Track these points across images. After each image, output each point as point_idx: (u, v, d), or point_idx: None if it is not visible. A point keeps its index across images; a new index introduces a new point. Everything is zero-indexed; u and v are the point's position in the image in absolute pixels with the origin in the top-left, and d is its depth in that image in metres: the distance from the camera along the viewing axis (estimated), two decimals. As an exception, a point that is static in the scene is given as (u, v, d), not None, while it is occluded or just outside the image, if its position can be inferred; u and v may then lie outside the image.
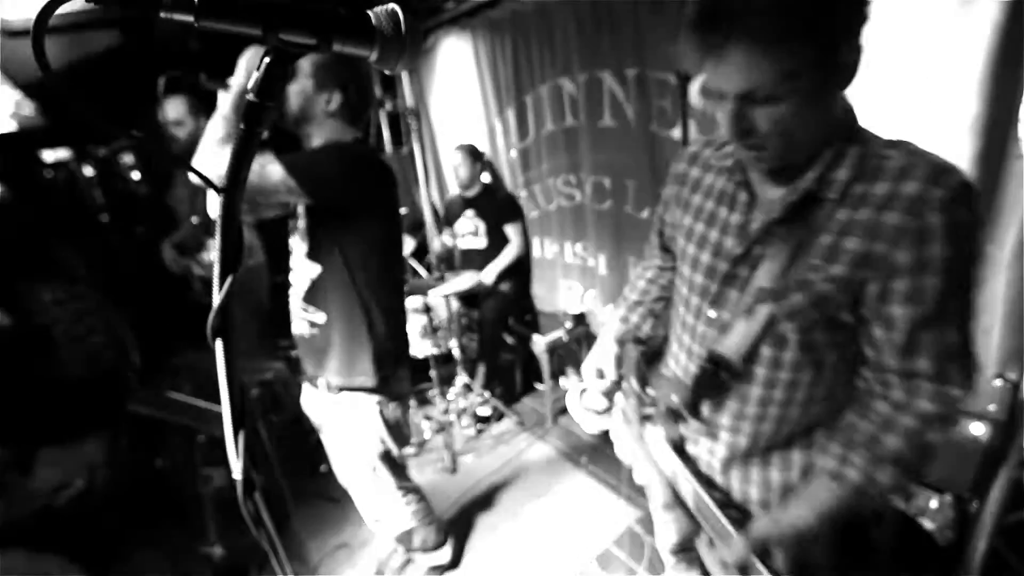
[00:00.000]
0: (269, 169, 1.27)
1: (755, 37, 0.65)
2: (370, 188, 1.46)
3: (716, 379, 0.92)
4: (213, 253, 2.74)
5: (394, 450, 1.68)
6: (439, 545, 1.99)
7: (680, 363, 1.03)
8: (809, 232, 0.79)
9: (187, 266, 2.65)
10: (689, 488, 0.98)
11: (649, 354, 1.16)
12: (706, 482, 1.01)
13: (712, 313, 0.93)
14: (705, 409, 0.98)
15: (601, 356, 1.19)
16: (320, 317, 1.52)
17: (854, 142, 0.78)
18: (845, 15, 0.68)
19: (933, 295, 0.73)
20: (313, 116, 1.43)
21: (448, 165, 3.44)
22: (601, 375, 1.17)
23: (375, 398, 1.58)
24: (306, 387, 1.69)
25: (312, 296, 1.51)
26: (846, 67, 0.71)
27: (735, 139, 0.77)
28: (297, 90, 1.39)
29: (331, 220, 1.43)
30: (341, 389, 1.56)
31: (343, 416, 1.59)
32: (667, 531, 1.40)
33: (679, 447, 1.06)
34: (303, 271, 1.52)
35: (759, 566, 0.81)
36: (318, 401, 1.64)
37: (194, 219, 2.74)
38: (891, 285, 0.75)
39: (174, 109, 2.44)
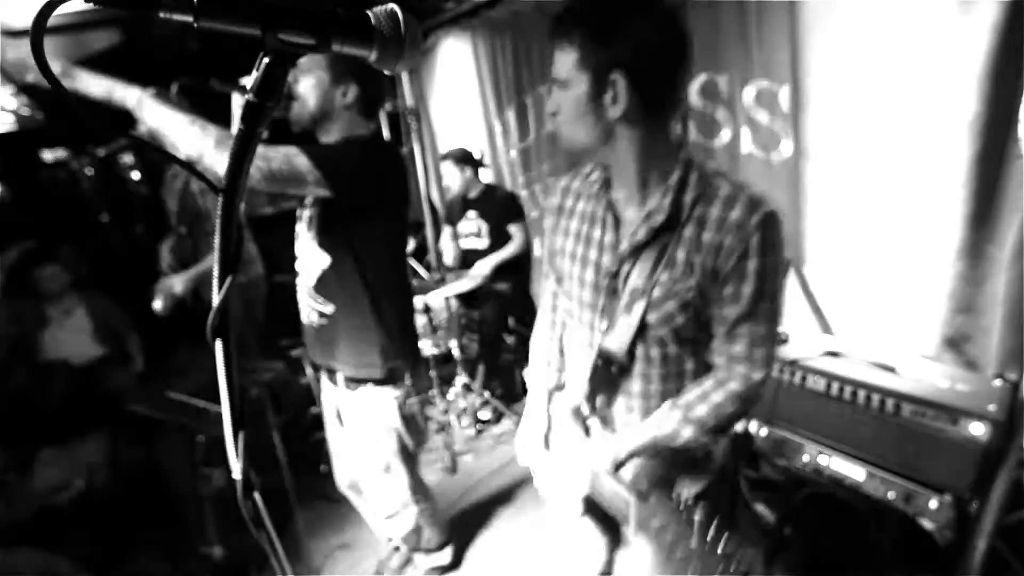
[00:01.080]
0: (297, 161, 1.25)
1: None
2: (389, 183, 1.47)
3: (608, 373, 1.08)
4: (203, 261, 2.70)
5: (410, 446, 1.68)
6: (442, 546, 1.99)
7: (579, 365, 1.17)
8: (665, 246, 0.97)
9: (169, 287, 2.63)
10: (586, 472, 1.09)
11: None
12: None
13: (603, 324, 1.07)
14: (600, 403, 1.13)
15: (538, 428, 1.28)
16: (329, 307, 1.52)
17: (693, 169, 0.96)
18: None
19: (749, 297, 0.94)
20: (331, 110, 1.42)
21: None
22: (542, 445, 1.27)
23: (394, 392, 1.58)
24: (324, 381, 1.70)
25: (321, 286, 1.51)
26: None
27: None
28: (313, 84, 1.38)
29: (345, 211, 1.42)
30: (355, 381, 1.57)
31: (361, 409, 1.60)
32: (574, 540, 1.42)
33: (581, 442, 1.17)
34: (313, 261, 1.51)
35: (599, 473, 1.03)
36: (337, 395, 1.65)
37: (182, 230, 2.73)
38: (723, 291, 0.95)
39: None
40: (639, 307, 0.99)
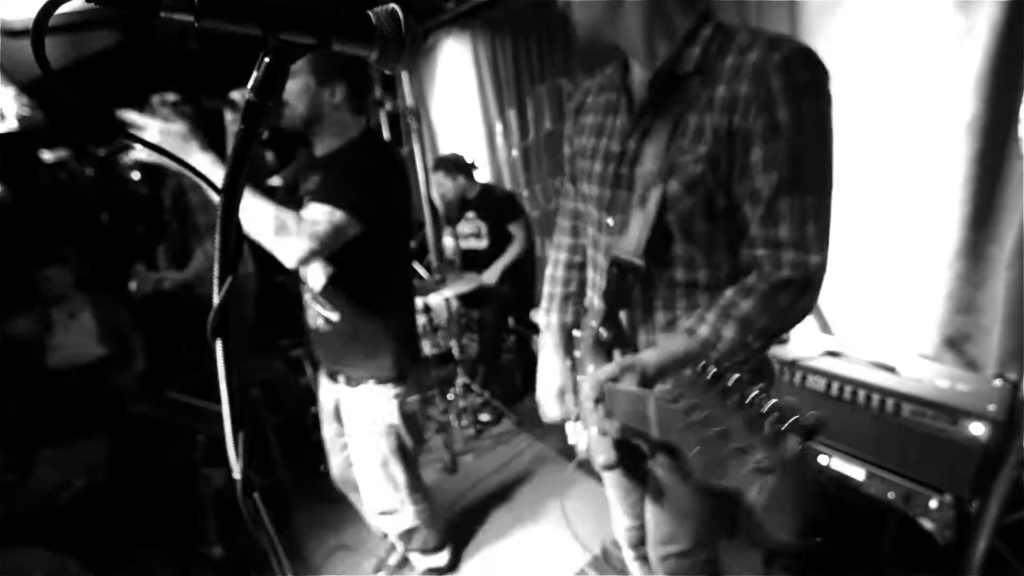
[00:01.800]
0: (335, 218, 1.29)
1: None
2: (398, 191, 1.47)
3: (623, 284, 0.90)
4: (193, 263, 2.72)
5: (409, 445, 1.68)
6: (439, 548, 1.99)
7: (596, 285, 1.02)
8: (679, 114, 0.81)
9: (160, 280, 2.64)
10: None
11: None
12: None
13: (609, 220, 0.93)
14: (624, 323, 0.95)
15: (553, 377, 1.17)
16: (335, 315, 1.52)
17: (708, 21, 0.82)
18: None
19: (786, 159, 0.75)
20: (321, 113, 1.41)
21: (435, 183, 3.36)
22: (562, 394, 1.16)
23: (395, 390, 1.58)
24: (323, 379, 1.70)
25: (327, 293, 1.51)
26: None
27: None
28: (300, 89, 1.37)
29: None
30: (357, 379, 1.57)
31: (362, 406, 1.60)
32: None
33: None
34: (317, 268, 1.51)
35: (612, 386, 0.83)
36: (336, 391, 1.65)
37: (174, 225, 2.75)
38: (749, 157, 0.77)
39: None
40: (654, 196, 0.82)
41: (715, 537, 1.16)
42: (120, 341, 2.82)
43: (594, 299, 1.03)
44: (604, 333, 0.95)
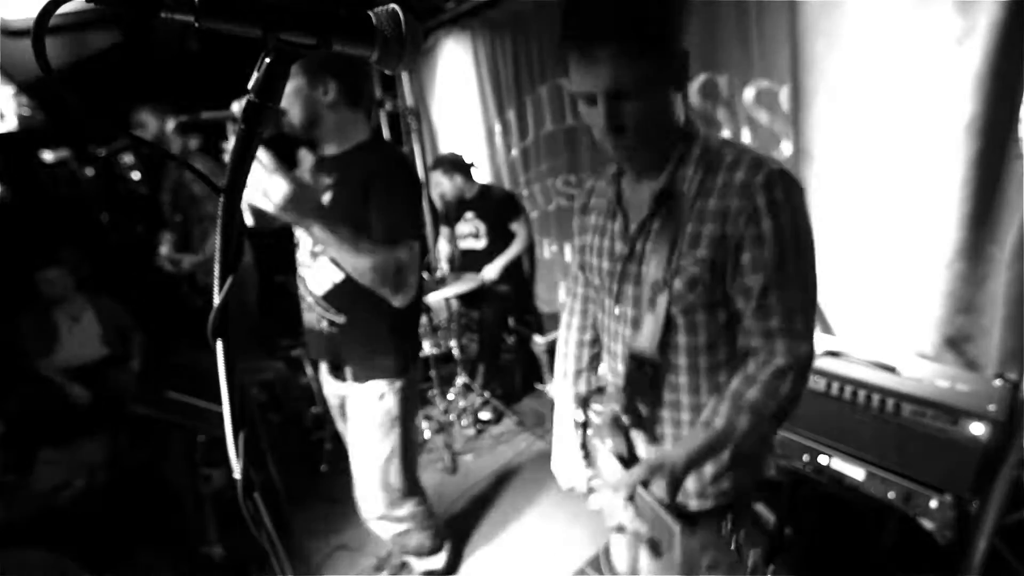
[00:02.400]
0: (416, 250, 1.41)
1: (619, 45, 0.81)
2: (415, 191, 1.52)
3: (642, 374, 1.01)
4: (190, 258, 2.75)
5: (410, 441, 1.69)
6: (435, 550, 1.97)
7: (612, 370, 1.13)
8: (677, 225, 0.93)
9: (179, 260, 2.65)
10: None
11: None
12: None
13: (616, 309, 1.05)
14: (642, 409, 1.06)
15: (570, 449, 1.25)
16: (341, 318, 1.52)
17: (696, 143, 0.94)
18: (676, 24, 0.85)
19: (771, 262, 0.88)
20: (318, 114, 1.41)
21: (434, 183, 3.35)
22: (580, 463, 1.23)
23: (399, 383, 1.59)
24: (327, 377, 1.70)
25: (333, 298, 1.51)
26: (680, 71, 0.89)
27: (609, 135, 0.90)
28: (293, 92, 1.37)
29: (361, 228, 1.40)
30: (367, 379, 1.58)
31: (368, 402, 1.60)
32: (619, 551, 1.38)
33: (623, 458, 1.10)
34: (323, 274, 1.51)
35: (642, 491, 0.92)
36: (343, 389, 1.65)
37: (178, 218, 2.76)
38: (740, 260, 0.90)
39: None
40: (662, 300, 0.95)
41: None
42: (122, 342, 2.82)
43: (609, 379, 1.16)
44: (626, 419, 1.07)
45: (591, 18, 0.82)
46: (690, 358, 0.99)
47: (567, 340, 1.30)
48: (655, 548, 0.94)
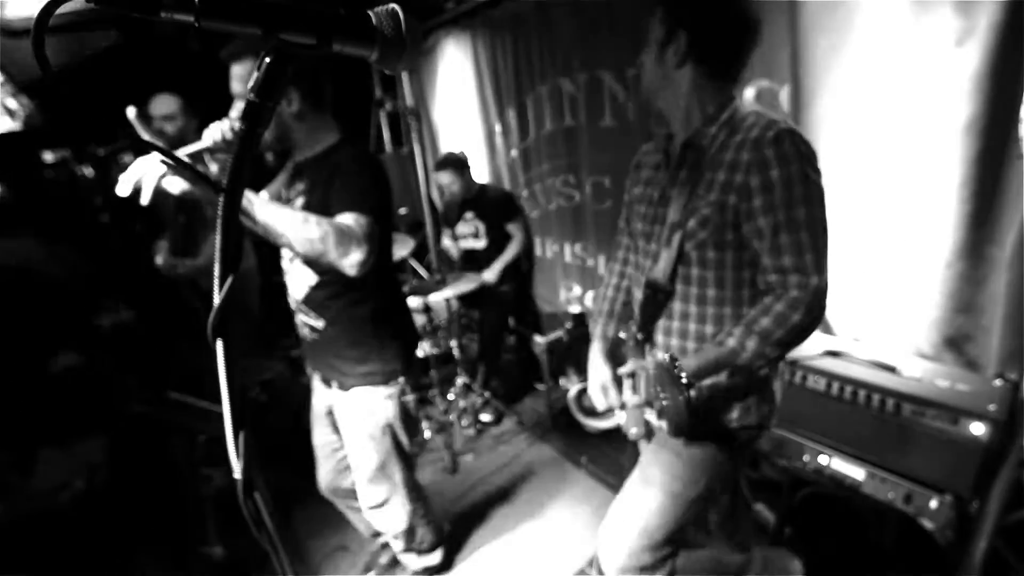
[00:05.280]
0: (370, 224, 1.31)
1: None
2: (388, 195, 1.46)
3: (655, 300, 1.20)
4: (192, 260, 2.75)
5: (405, 442, 1.68)
6: (434, 547, 1.98)
7: (635, 300, 1.31)
8: (698, 171, 1.10)
9: (175, 266, 2.65)
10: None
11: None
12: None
13: (651, 247, 1.22)
14: (656, 330, 1.24)
15: (600, 376, 1.36)
16: (320, 322, 1.52)
17: (728, 107, 1.10)
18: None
19: (780, 205, 1.00)
20: (287, 126, 1.39)
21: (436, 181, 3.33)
22: (606, 390, 1.34)
23: (388, 390, 1.58)
24: (317, 384, 1.69)
25: (311, 301, 1.51)
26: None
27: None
28: None
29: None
30: (352, 387, 1.57)
31: (356, 408, 1.59)
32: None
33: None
34: (299, 276, 1.51)
35: (653, 366, 1.12)
36: (330, 396, 1.65)
37: (181, 219, 2.75)
38: (752, 204, 1.03)
39: (165, 105, 2.44)
40: (676, 238, 1.11)
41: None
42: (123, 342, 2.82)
43: (635, 310, 1.31)
44: (641, 337, 1.25)
45: None
46: (700, 288, 1.14)
47: (607, 284, 1.47)
48: (661, 413, 1.09)
